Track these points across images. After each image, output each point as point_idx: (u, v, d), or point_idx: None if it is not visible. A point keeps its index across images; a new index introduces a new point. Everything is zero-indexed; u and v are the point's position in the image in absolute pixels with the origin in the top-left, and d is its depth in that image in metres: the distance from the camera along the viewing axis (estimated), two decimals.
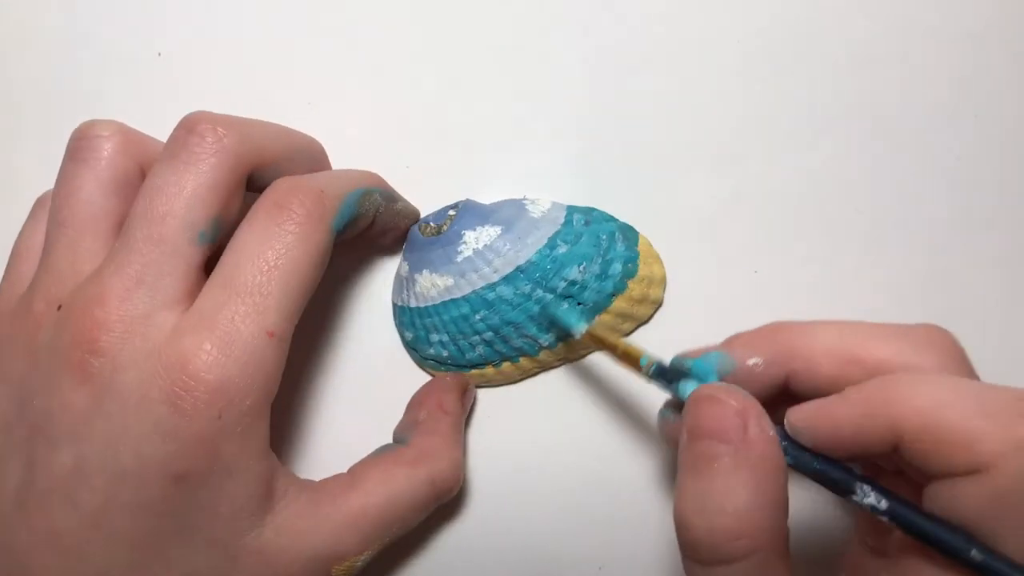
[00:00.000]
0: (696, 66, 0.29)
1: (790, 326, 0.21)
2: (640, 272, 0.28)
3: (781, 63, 0.28)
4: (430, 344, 0.28)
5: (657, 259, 0.28)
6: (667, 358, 0.22)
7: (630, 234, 0.28)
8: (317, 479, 0.24)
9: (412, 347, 0.29)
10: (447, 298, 0.27)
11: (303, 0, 0.30)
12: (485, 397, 0.29)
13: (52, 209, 0.24)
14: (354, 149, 0.29)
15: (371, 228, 0.26)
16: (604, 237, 0.27)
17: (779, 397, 0.21)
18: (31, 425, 0.21)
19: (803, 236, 0.28)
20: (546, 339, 0.27)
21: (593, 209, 0.28)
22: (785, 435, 0.20)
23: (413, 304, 0.28)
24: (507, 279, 0.26)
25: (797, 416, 0.19)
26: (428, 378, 0.29)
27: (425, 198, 0.29)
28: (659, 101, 0.29)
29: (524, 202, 0.28)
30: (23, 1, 0.31)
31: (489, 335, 0.27)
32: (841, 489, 0.19)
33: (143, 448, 0.20)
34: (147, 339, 0.21)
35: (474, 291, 0.27)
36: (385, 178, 0.29)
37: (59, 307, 0.22)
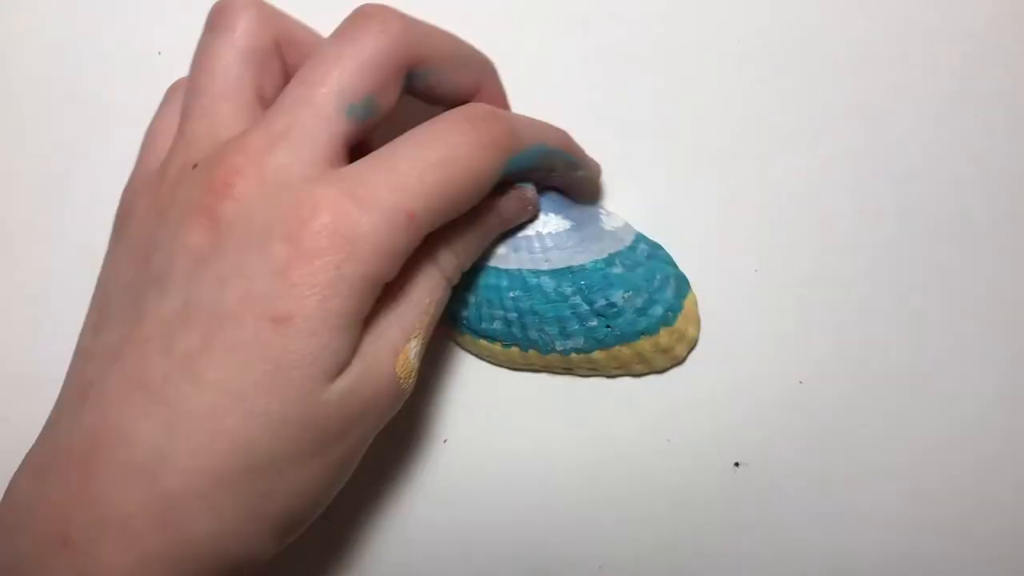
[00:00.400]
0: (696, 66, 0.29)
1: None
2: (676, 324, 0.28)
3: (781, 63, 0.28)
4: (455, 297, 0.28)
5: (697, 322, 0.28)
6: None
7: (683, 287, 0.28)
8: None
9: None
10: (491, 264, 0.27)
11: (303, 0, 0.30)
12: (487, 396, 0.29)
13: (189, 80, 0.23)
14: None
15: (535, 178, 0.26)
16: (659, 277, 0.27)
17: None
18: (150, 277, 0.21)
19: (803, 236, 0.28)
20: (561, 344, 0.27)
21: (661, 247, 0.28)
22: None
23: None
24: (555, 273, 0.26)
25: None
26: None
27: None
28: (659, 101, 0.29)
29: (600, 211, 0.28)
30: (23, 1, 0.31)
31: (513, 315, 0.27)
32: None
33: (252, 286, 0.19)
34: (283, 186, 0.20)
35: (519, 269, 0.27)
36: None
37: (194, 166, 0.21)
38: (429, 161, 0.21)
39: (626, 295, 0.27)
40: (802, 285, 0.28)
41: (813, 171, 0.28)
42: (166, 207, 0.21)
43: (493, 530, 0.29)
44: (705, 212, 0.29)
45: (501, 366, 0.29)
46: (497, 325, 0.27)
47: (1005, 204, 0.28)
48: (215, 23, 0.24)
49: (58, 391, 0.28)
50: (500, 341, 0.28)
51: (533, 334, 0.27)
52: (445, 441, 0.29)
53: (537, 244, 0.27)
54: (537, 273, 0.26)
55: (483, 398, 0.29)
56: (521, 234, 0.27)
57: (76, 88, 0.30)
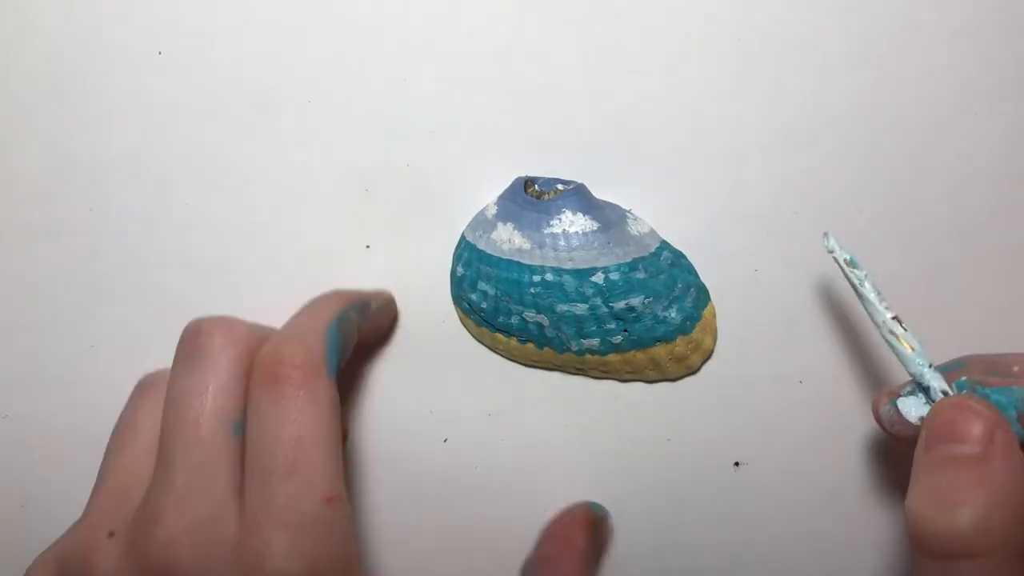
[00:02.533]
0: (696, 65, 0.29)
1: None
2: (693, 334, 0.28)
3: (781, 62, 0.28)
4: (475, 289, 0.28)
5: (713, 333, 0.28)
6: None
7: (703, 297, 0.28)
8: None
9: (458, 282, 0.29)
10: (514, 259, 0.27)
11: (303, 0, 0.30)
12: (487, 396, 0.29)
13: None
14: (354, 149, 0.29)
15: (360, 342, 0.26)
16: (680, 286, 0.27)
17: None
18: None
19: (803, 236, 0.28)
20: (577, 344, 0.27)
21: (684, 256, 0.28)
22: None
23: (481, 246, 0.28)
24: (578, 273, 0.26)
25: None
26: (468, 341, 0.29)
27: (425, 197, 0.29)
28: (658, 100, 0.29)
29: (627, 215, 0.28)
30: (23, 1, 0.31)
31: (531, 313, 0.27)
32: None
33: None
34: (217, 544, 0.20)
35: (543, 266, 0.26)
36: (386, 178, 0.29)
37: (110, 534, 0.21)
38: (293, 447, 0.20)
39: (646, 301, 0.27)
40: (802, 286, 0.28)
41: (813, 171, 0.28)
42: None
43: (493, 530, 0.29)
44: (705, 211, 0.29)
45: (515, 361, 0.29)
46: (515, 320, 0.27)
47: (1005, 204, 0.28)
48: (144, 387, 0.24)
49: (57, 390, 0.28)
50: (516, 336, 0.28)
51: (550, 332, 0.27)
52: (445, 441, 0.29)
53: (563, 242, 0.26)
54: (560, 271, 0.26)
55: (483, 398, 0.29)
56: (548, 231, 0.26)
57: (76, 88, 0.30)
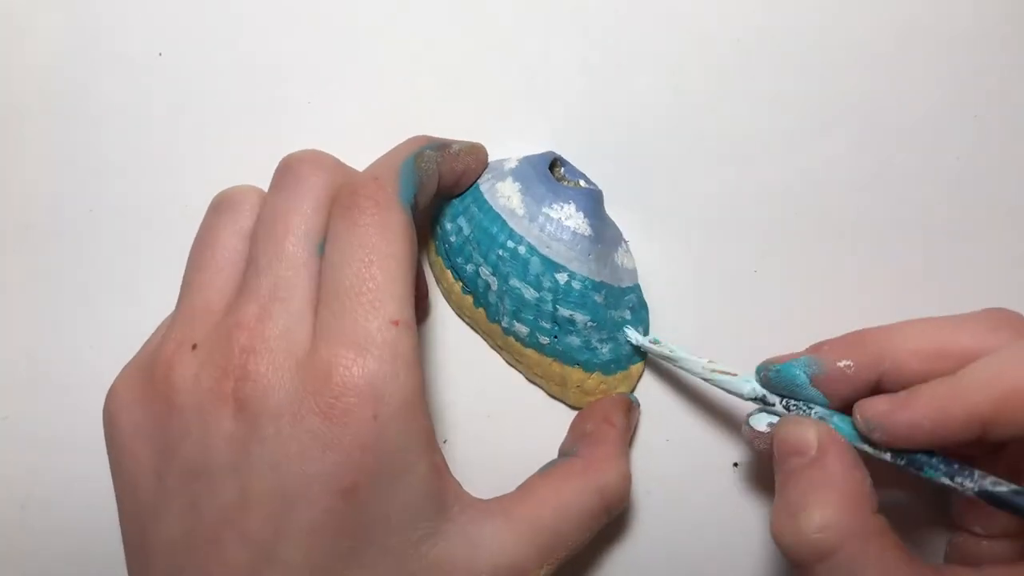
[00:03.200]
0: (696, 65, 0.29)
1: (875, 331, 0.23)
2: (611, 379, 0.28)
3: (781, 62, 0.28)
4: (454, 220, 0.28)
5: (631, 389, 0.29)
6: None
7: (636, 356, 0.28)
8: None
9: (443, 209, 0.29)
10: (503, 216, 0.27)
11: (303, 0, 0.30)
12: (487, 396, 0.29)
13: (190, 256, 0.24)
14: (354, 148, 0.29)
15: (444, 182, 0.27)
16: (628, 331, 0.28)
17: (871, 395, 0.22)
18: (185, 469, 0.21)
19: (803, 236, 0.28)
20: (507, 322, 0.28)
21: (646, 308, 0.29)
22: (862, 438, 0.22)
23: (482, 189, 0.28)
24: (547, 262, 0.26)
25: (872, 411, 0.21)
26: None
27: None
28: (658, 100, 0.29)
29: (623, 243, 0.28)
30: (23, 1, 0.31)
31: (487, 270, 0.27)
32: (921, 470, 0.21)
33: (306, 466, 0.20)
34: (290, 354, 0.21)
35: (523, 236, 0.27)
36: None
37: (193, 346, 0.22)
38: (363, 269, 0.21)
39: (589, 323, 0.27)
40: (802, 286, 0.28)
41: (813, 170, 0.28)
42: (173, 394, 0.21)
43: None
44: (705, 211, 0.29)
45: (449, 305, 0.30)
46: (469, 268, 0.28)
47: (1005, 204, 0.28)
48: (218, 206, 0.24)
49: (57, 390, 0.28)
50: (463, 283, 0.28)
51: (492, 297, 0.28)
52: (445, 442, 0.29)
53: (551, 227, 0.27)
54: (533, 250, 0.26)
55: (483, 398, 0.29)
56: (546, 210, 0.27)
57: (76, 88, 0.30)
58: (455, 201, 0.28)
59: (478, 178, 0.28)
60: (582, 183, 0.28)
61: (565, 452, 0.27)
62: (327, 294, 0.21)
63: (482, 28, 0.29)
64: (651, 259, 0.29)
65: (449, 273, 0.29)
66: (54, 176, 0.31)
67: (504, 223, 0.27)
